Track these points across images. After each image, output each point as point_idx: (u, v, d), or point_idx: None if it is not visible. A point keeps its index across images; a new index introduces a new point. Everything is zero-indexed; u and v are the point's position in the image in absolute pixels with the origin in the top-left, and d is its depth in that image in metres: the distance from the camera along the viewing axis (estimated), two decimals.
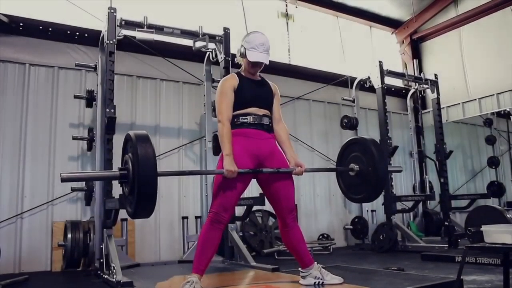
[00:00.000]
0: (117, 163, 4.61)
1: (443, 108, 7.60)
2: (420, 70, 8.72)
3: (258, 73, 2.99)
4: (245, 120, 2.82)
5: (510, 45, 7.37)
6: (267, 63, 2.88)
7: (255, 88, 2.92)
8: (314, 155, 7.23)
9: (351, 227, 6.96)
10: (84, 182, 4.98)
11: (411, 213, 7.36)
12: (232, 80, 2.88)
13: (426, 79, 7.01)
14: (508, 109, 7.62)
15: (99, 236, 4.29)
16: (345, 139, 7.67)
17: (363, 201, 3.17)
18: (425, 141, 7.84)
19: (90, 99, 5.06)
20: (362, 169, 3.11)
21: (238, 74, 2.96)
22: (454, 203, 6.67)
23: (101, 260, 4.06)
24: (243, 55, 2.89)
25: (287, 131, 3.05)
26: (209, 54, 5.26)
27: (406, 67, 9.02)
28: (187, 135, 6.11)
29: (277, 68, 6.61)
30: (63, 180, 2.41)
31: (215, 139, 5.39)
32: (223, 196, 2.72)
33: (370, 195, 3.18)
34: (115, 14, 4.42)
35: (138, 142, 2.39)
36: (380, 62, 6.49)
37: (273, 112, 3.00)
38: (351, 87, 7.09)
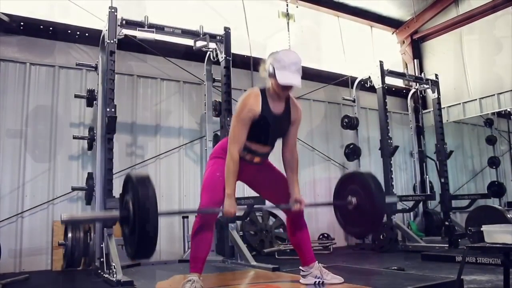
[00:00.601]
0: (117, 163, 4.64)
1: (444, 108, 7.59)
2: (421, 70, 8.71)
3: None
4: (243, 156, 2.74)
5: (511, 45, 7.37)
6: (300, 86, 2.63)
7: (273, 125, 2.72)
8: (315, 154, 7.23)
9: None
10: (84, 181, 4.99)
11: (412, 213, 7.36)
12: (254, 109, 2.64)
13: (427, 79, 7.00)
14: (508, 109, 7.62)
15: (100, 236, 4.30)
16: (345, 139, 7.70)
17: (361, 235, 3.17)
18: (426, 141, 7.84)
19: (90, 99, 5.06)
20: (360, 203, 3.07)
21: (263, 96, 2.70)
22: (454, 203, 6.66)
23: (102, 259, 4.07)
24: (272, 75, 2.62)
25: (297, 162, 2.87)
26: (209, 54, 5.27)
27: (406, 67, 9.02)
28: (187, 135, 6.11)
29: None
30: (64, 222, 2.40)
31: (216, 138, 5.40)
32: (213, 191, 2.73)
33: (368, 229, 3.17)
34: (115, 13, 4.42)
35: (139, 185, 2.33)
36: (381, 62, 6.49)
37: (288, 138, 2.85)
38: (352, 87, 7.09)
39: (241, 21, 6.86)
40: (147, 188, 2.33)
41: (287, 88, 2.67)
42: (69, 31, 5.54)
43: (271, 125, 2.71)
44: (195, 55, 5.60)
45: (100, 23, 4.92)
